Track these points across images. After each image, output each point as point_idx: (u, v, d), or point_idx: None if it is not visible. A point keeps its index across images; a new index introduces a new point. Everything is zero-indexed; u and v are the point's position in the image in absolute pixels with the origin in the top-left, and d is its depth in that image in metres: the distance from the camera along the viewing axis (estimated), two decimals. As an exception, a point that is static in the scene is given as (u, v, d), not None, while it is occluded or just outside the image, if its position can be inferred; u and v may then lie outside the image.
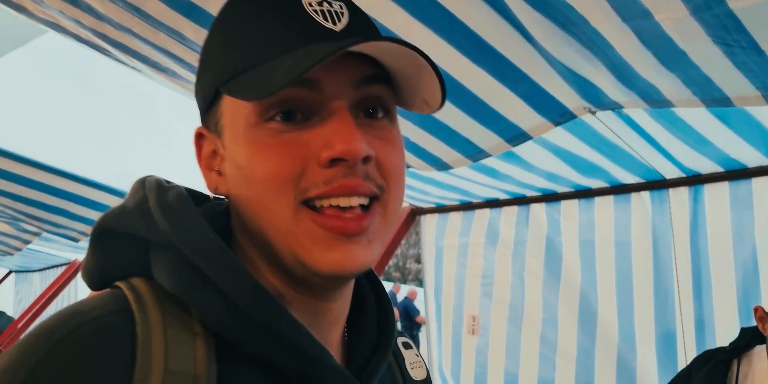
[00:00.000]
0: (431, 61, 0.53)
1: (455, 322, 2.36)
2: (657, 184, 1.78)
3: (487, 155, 1.62)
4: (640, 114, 1.46)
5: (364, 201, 0.54)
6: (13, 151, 2.72)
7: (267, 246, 0.56)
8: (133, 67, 1.71)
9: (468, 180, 1.95)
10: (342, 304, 0.62)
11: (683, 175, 1.73)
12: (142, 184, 0.60)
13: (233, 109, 0.56)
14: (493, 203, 2.21)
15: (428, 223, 2.50)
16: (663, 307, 1.72)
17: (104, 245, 0.60)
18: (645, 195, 1.81)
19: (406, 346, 0.77)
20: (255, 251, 0.59)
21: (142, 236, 0.57)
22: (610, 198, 1.88)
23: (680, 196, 1.74)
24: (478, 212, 2.28)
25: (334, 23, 0.55)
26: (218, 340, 0.53)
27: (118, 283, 0.56)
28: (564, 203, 2.00)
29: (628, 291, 1.81)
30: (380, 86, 0.56)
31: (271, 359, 0.54)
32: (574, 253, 1.97)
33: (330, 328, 0.62)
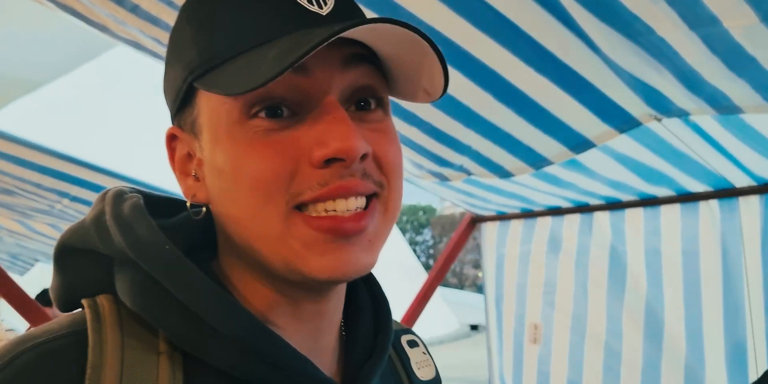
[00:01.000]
0: (434, 44, 0.48)
1: (516, 330, 2.35)
2: (726, 193, 1.74)
3: (549, 163, 1.63)
4: (708, 121, 1.43)
5: (362, 203, 0.50)
6: (87, 160, 2.84)
7: (254, 254, 0.51)
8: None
9: (530, 187, 1.95)
10: (335, 303, 0.58)
11: (754, 183, 1.69)
12: (103, 196, 0.56)
13: (211, 106, 0.50)
14: (555, 211, 2.20)
15: (489, 231, 2.51)
16: (733, 318, 1.68)
17: (67, 263, 0.56)
18: (714, 204, 1.77)
19: (412, 344, 0.72)
20: (240, 259, 0.54)
21: (102, 252, 0.53)
22: (677, 207, 1.85)
23: (751, 204, 1.69)
24: (539, 220, 2.27)
25: (320, 7, 0.50)
26: (187, 358, 0.49)
27: (82, 301, 0.52)
28: (629, 212, 1.97)
29: (696, 301, 1.77)
30: (370, 70, 0.51)
31: (245, 375, 0.49)
32: (639, 263, 1.94)
33: (324, 332, 0.57)
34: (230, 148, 0.49)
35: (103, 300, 0.52)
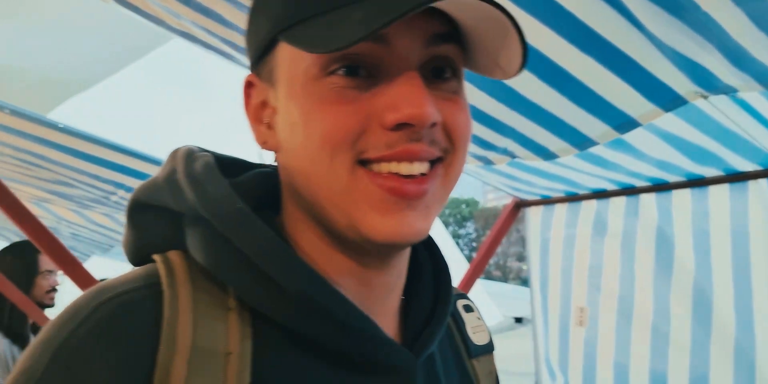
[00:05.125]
0: (517, 23, 0.49)
1: (562, 314, 2.36)
2: (777, 172, 1.72)
3: (594, 143, 1.63)
4: (757, 98, 1.41)
5: (425, 169, 0.51)
6: (142, 152, 2.94)
7: (318, 209, 0.52)
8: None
9: (574, 169, 1.96)
10: (396, 275, 0.59)
11: (805, 161, 1.66)
12: (174, 155, 0.58)
13: (292, 59, 0.51)
14: (600, 194, 2.20)
15: (533, 215, 2.51)
16: (784, 297, 1.66)
17: (139, 219, 0.58)
18: (763, 183, 1.74)
19: (467, 309, 0.73)
20: (304, 215, 0.55)
21: (174, 208, 0.55)
22: (726, 186, 1.83)
23: (802, 183, 1.67)
24: (584, 204, 2.27)
25: None
26: (255, 315, 0.51)
27: (154, 257, 0.53)
28: (675, 193, 1.95)
29: (746, 281, 1.75)
30: (451, 45, 0.52)
31: (311, 333, 0.51)
32: (687, 244, 1.92)
33: (384, 297, 0.58)
34: (304, 102, 0.50)
35: (174, 256, 0.53)
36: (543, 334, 2.47)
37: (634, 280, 2.07)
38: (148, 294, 0.49)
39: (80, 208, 3.65)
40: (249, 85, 0.58)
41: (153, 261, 0.53)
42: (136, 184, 2.97)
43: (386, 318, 0.59)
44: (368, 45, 0.48)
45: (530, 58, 1.41)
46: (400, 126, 0.48)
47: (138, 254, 0.57)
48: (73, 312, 0.47)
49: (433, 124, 0.49)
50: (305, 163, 0.51)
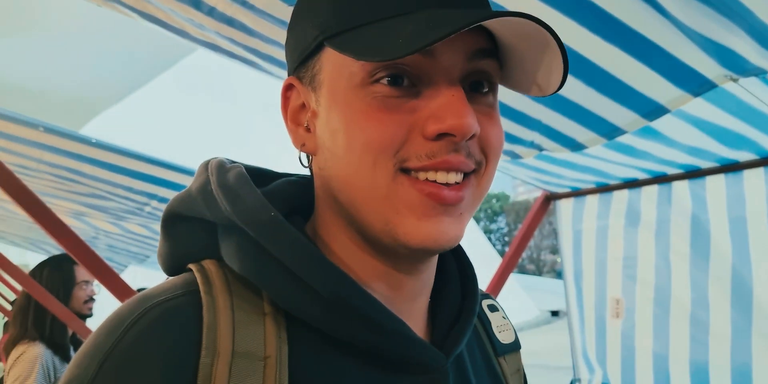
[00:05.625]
0: (561, 43, 0.50)
1: (597, 305, 2.34)
2: (813, 153, 1.68)
3: (622, 132, 1.61)
4: (788, 78, 1.39)
5: (460, 178, 0.52)
6: (172, 163, 2.99)
7: (355, 212, 0.54)
8: (279, 77, 1.87)
9: (604, 160, 1.94)
10: (425, 279, 0.60)
11: (842, 141, 1.62)
12: (206, 166, 0.59)
13: (336, 65, 0.53)
14: (631, 184, 2.17)
15: (564, 208, 2.49)
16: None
17: (174, 230, 0.59)
18: (800, 164, 1.71)
19: (492, 308, 0.74)
20: (339, 219, 0.57)
21: (208, 219, 0.56)
22: (761, 170, 1.79)
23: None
24: (615, 194, 2.25)
25: None
26: (290, 319, 0.52)
27: (189, 266, 0.55)
28: (709, 179, 1.92)
29: (786, 266, 1.72)
30: (491, 61, 0.54)
31: (344, 336, 0.52)
32: (723, 230, 1.89)
33: (413, 299, 0.60)
34: (348, 108, 0.51)
35: (209, 264, 0.55)
36: (579, 327, 2.45)
37: (670, 270, 2.04)
38: (187, 301, 0.51)
39: (116, 220, 3.73)
40: (288, 88, 0.59)
41: (189, 270, 0.55)
42: (168, 194, 3.04)
43: (415, 320, 0.60)
44: (414, 56, 0.49)
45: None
46: (440, 136, 0.50)
47: (174, 264, 0.59)
48: (118, 321, 0.49)
49: (472, 136, 0.51)
50: (346, 168, 0.52)
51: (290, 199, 0.61)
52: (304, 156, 0.61)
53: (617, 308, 2.22)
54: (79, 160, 2.73)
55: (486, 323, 0.72)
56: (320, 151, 0.55)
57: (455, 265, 0.68)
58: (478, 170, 0.54)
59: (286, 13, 1.41)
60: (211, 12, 1.49)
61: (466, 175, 0.53)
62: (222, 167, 0.58)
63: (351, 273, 0.56)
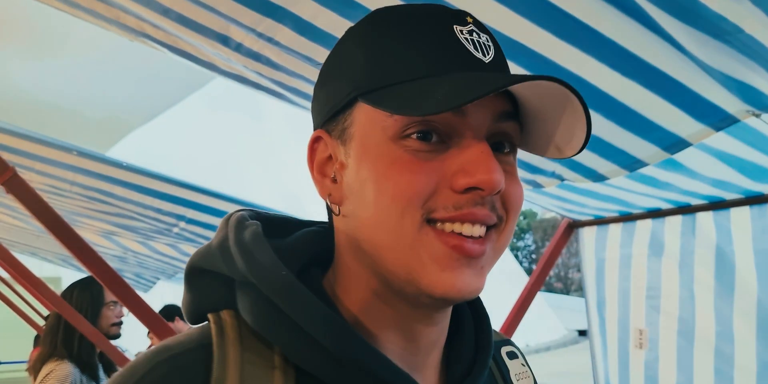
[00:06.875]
0: (585, 104, 0.52)
1: (621, 335, 2.31)
2: (840, 186, 1.66)
3: (644, 164, 1.61)
4: (812, 114, 1.38)
5: (483, 232, 0.54)
6: (199, 185, 3.05)
7: (379, 261, 0.55)
8: (304, 107, 1.92)
9: (626, 190, 1.93)
10: (441, 330, 0.61)
11: None
12: (226, 222, 0.61)
13: (369, 120, 0.55)
14: (655, 213, 2.16)
15: (587, 236, 2.48)
16: None
17: (196, 282, 0.62)
18: (827, 198, 1.69)
19: (511, 355, 0.74)
20: (361, 268, 0.58)
21: (226, 274, 0.59)
22: (787, 203, 1.77)
23: None
24: (639, 223, 2.23)
25: (484, 55, 0.55)
26: (299, 371, 0.54)
27: (208, 316, 0.58)
28: (734, 210, 1.90)
29: (814, 301, 1.69)
30: (514, 123, 0.56)
31: None
32: (749, 263, 1.87)
33: (428, 352, 0.61)
34: (379, 160, 0.53)
35: (226, 315, 0.57)
36: (602, 356, 2.43)
37: (694, 301, 2.01)
38: (198, 356, 0.53)
39: (145, 240, 3.81)
40: (316, 140, 0.61)
41: (208, 320, 0.58)
42: (196, 215, 3.09)
43: (429, 371, 0.62)
44: (446, 115, 0.52)
45: (574, 85, 1.41)
46: (468, 190, 0.52)
47: (195, 314, 0.62)
48: (132, 371, 0.52)
49: (498, 191, 0.52)
50: (374, 217, 0.54)
51: (309, 250, 0.63)
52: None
53: (641, 339, 2.20)
54: (111, 183, 2.81)
55: (504, 371, 0.72)
56: (347, 200, 0.57)
57: (468, 311, 0.69)
58: (498, 225, 0.56)
59: (309, 49, 1.45)
60: (239, 48, 1.54)
61: (488, 229, 0.55)
62: (240, 224, 0.60)
63: (368, 323, 0.58)
